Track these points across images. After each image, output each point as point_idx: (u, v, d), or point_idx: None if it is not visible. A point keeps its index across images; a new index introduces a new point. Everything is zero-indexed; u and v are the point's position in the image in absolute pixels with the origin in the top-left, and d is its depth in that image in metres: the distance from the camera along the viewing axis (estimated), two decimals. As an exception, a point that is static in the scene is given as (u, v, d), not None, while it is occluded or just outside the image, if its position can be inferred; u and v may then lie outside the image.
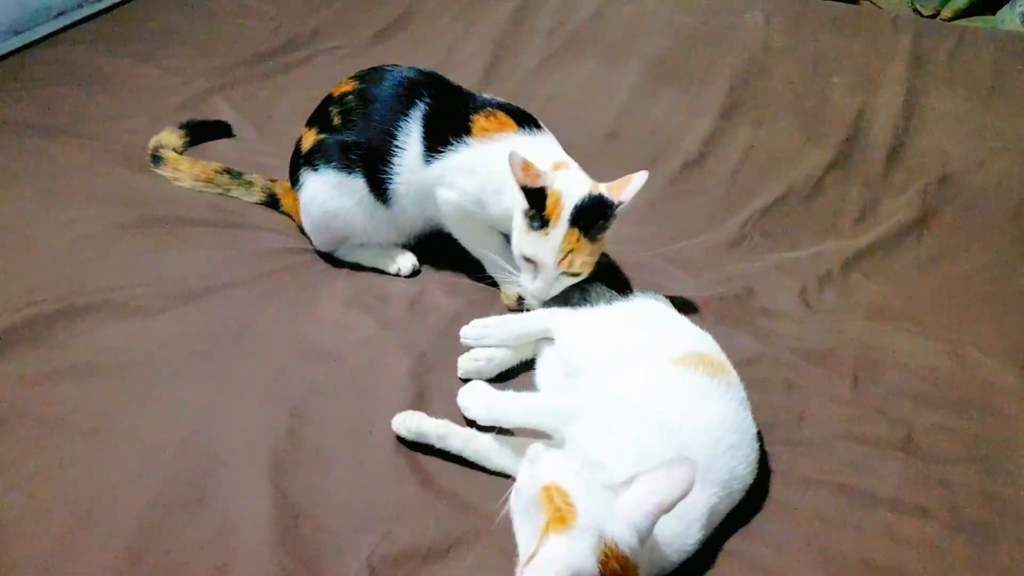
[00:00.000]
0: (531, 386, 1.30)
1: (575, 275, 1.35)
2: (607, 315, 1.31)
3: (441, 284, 1.53)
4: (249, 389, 1.26)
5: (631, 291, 1.40)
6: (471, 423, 1.18)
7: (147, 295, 1.40)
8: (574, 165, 1.39)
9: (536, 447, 0.96)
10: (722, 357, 1.20)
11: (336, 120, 1.48)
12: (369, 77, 1.51)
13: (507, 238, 1.42)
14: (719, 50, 2.24)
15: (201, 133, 1.86)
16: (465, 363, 1.32)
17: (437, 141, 1.43)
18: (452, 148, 1.42)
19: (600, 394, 1.13)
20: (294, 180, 1.55)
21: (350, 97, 1.49)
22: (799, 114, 2.04)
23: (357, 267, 1.56)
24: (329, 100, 1.52)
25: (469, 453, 1.17)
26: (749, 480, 1.11)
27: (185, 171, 1.70)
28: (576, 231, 1.31)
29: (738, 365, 1.20)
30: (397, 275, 1.55)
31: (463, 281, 1.54)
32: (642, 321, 1.28)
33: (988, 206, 1.79)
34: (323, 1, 2.50)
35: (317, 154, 1.48)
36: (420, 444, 1.19)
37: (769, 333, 1.46)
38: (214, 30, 2.35)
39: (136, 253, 1.50)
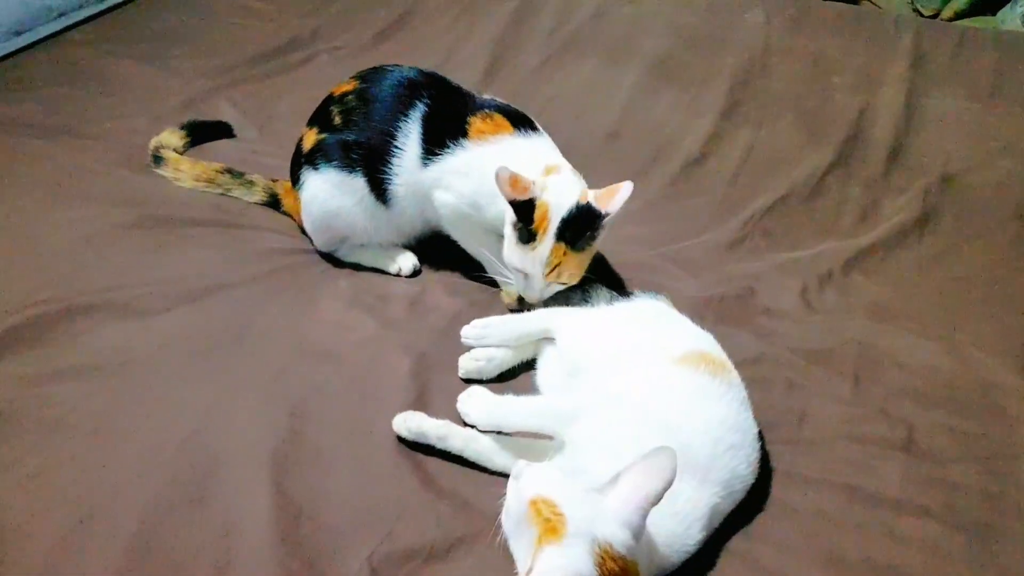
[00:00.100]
0: (532, 386, 1.30)
1: (565, 283, 1.37)
2: (608, 315, 1.31)
3: (442, 284, 1.53)
4: (250, 389, 1.26)
5: (632, 291, 1.40)
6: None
7: (148, 295, 1.40)
8: (567, 168, 1.39)
9: (520, 464, 0.97)
10: (723, 356, 1.20)
11: (337, 120, 1.48)
12: (370, 77, 1.51)
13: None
14: (720, 50, 2.24)
15: (202, 133, 1.86)
16: (466, 363, 1.32)
17: (435, 143, 1.43)
18: (448, 151, 1.42)
19: (600, 395, 1.13)
20: (295, 180, 1.55)
21: (351, 97, 1.49)
22: (800, 114, 2.04)
23: (358, 267, 1.56)
24: (330, 100, 1.52)
25: (470, 453, 1.17)
26: (750, 480, 1.11)
27: (186, 171, 1.71)
28: (562, 245, 1.32)
29: (739, 365, 1.20)
30: (398, 275, 1.55)
31: (464, 281, 1.54)
32: (643, 321, 1.28)
33: (989, 206, 1.79)
34: (324, 1, 2.50)
35: (318, 153, 1.48)
36: (421, 444, 1.19)
37: (770, 333, 1.46)
38: (215, 30, 2.35)
39: (137, 253, 1.50)
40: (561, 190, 1.33)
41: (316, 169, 1.48)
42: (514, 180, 1.28)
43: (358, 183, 1.48)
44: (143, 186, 1.69)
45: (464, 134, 1.43)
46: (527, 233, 1.32)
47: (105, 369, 1.26)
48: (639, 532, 0.91)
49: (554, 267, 1.33)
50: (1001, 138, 1.96)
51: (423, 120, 1.44)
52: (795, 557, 1.08)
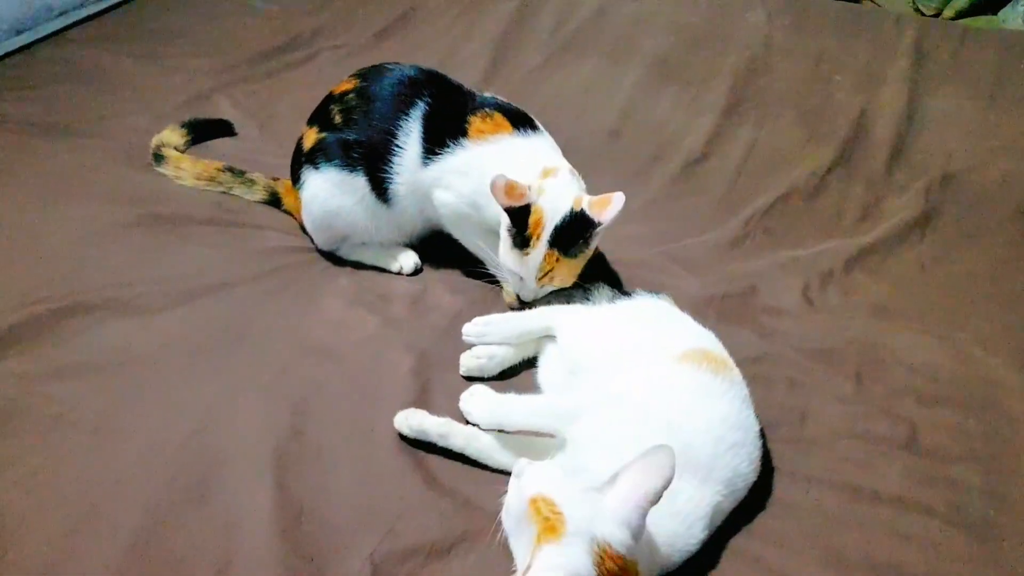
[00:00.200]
0: (533, 384, 1.30)
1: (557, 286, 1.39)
2: (609, 313, 1.31)
3: (443, 282, 1.53)
4: (251, 387, 1.26)
5: (633, 290, 1.40)
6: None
7: (149, 293, 1.40)
8: (564, 170, 1.39)
9: (521, 462, 0.97)
10: (725, 355, 1.20)
11: (337, 118, 1.48)
12: (370, 75, 1.51)
13: None
14: (721, 49, 2.24)
15: (203, 132, 1.86)
16: (467, 361, 1.32)
17: (435, 142, 1.43)
18: (448, 150, 1.43)
19: (602, 393, 1.13)
20: (295, 178, 1.55)
21: (351, 95, 1.49)
22: (801, 113, 2.04)
23: (359, 266, 1.56)
24: (330, 98, 1.52)
25: (471, 451, 1.17)
26: (752, 478, 1.11)
27: (187, 170, 1.71)
28: (555, 252, 1.33)
29: (741, 363, 1.20)
30: (399, 273, 1.55)
31: (465, 279, 1.54)
32: (644, 319, 1.28)
33: (991, 204, 1.79)
34: (325, 0, 2.50)
35: (319, 152, 1.48)
36: (422, 442, 1.19)
37: (772, 331, 1.46)
38: (216, 29, 2.35)
39: (138, 251, 1.50)
40: (556, 196, 1.34)
41: (317, 168, 1.48)
42: (509, 187, 1.29)
43: (359, 182, 1.48)
44: (144, 184, 1.69)
45: (464, 133, 1.43)
46: (521, 239, 1.33)
47: (106, 367, 1.26)
48: (638, 531, 0.91)
49: (546, 272, 1.35)
50: (1002, 137, 1.95)
51: (423, 119, 1.44)
52: (797, 555, 1.08)
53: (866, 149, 1.94)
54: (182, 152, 1.77)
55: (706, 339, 1.22)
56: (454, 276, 1.55)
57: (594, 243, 1.37)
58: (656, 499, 0.91)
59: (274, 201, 1.68)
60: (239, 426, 1.19)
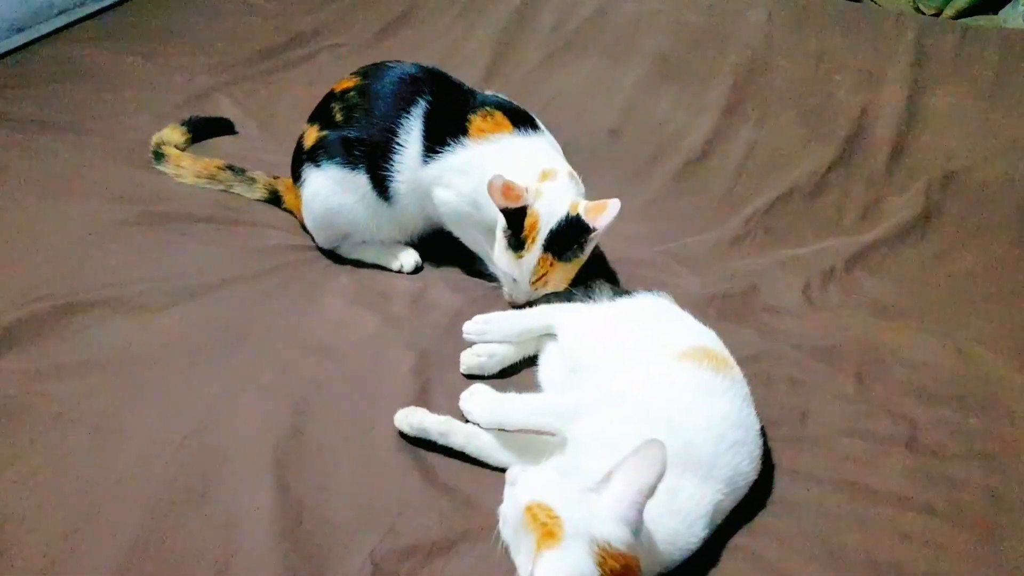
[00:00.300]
0: (534, 382, 1.30)
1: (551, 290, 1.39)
2: (610, 311, 1.30)
3: (444, 281, 1.53)
4: (252, 386, 1.26)
5: (634, 288, 1.40)
6: (473, 420, 1.18)
7: (149, 292, 1.40)
8: (563, 173, 1.39)
9: (514, 470, 0.96)
10: (725, 353, 1.19)
11: (338, 116, 1.48)
12: (371, 73, 1.51)
13: None
14: (722, 47, 2.23)
15: (203, 130, 1.86)
16: (467, 359, 1.32)
17: (435, 141, 1.43)
18: (449, 148, 1.43)
19: (602, 392, 1.13)
20: (296, 177, 1.55)
21: (352, 93, 1.49)
22: (802, 111, 2.04)
23: (359, 264, 1.56)
24: (331, 96, 1.52)
25: (472, 450, 1.17)
26: (753, 477, 1.10)
27: (187, 168, 1.70)
28: (549, 256, 1.33)
29: (741, 362, 1.20)
30: (400, 272, 1.55)
31: (465, 278, 1.54)
32: (645, 317, 1.28)
33: (992, 203, 1.79)
34: (325, -1, 2.50)
35: (319, 150, 1.48)
36: (422, 440, 1.18)
37: (773, 330, 1.46)
38: (216, 27, 2.35)
39: (138, 250, 1.50)
40: (553, 199, 1.34)
41: (318, 166, 1.48)
42: (506, 188, 1.29)
43: (360, 180, 1.48)
44: (144, 182, 1.68)
45: (464, 132, 1.43)
46: (516, 240, 1.33)
47: (106, 366, 1.26)
48: (637, 527, 0.90)
49: (540, 276, 1.36)
50: (1003, 136, 1.95)
51: (424, 117, 1.44)
52: (797, 553, 1.07)
53: (867, 148, 1.94)
54: (182, 150, 1.77)
55: (707, 337, 1.22)
56: (455, 274, 1.55)
57: (589, 248, 1.37)
58: (651, 493, 0.90)
59: (274, 199, 1.68)
60: (240, 424, 1.19)
